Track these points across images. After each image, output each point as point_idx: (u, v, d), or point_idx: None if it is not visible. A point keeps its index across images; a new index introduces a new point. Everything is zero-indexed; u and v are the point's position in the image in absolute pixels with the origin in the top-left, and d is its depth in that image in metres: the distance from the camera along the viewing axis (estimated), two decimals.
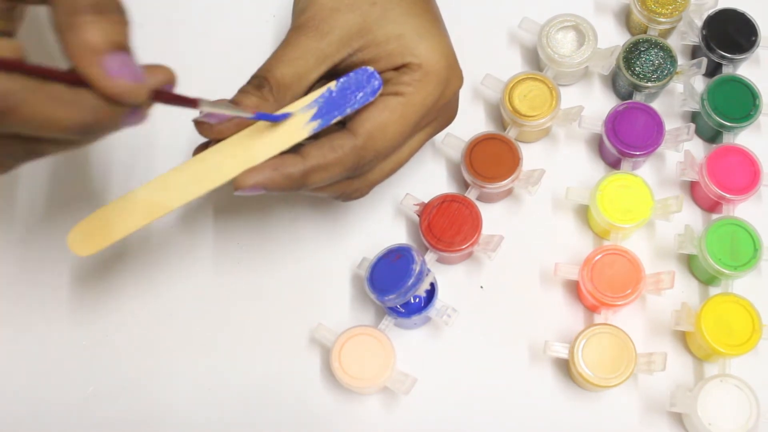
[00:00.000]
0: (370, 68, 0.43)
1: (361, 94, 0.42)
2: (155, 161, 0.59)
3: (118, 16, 0.33)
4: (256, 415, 0.54)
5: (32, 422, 0.54)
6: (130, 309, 0.56)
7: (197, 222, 0.58)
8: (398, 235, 0.58)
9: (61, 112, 0.31)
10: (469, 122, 0.59)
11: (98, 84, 0.32)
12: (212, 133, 0.41)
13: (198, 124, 0.41)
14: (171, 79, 0.35)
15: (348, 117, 0.43)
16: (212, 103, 0.38)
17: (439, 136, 0.55)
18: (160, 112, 0.35)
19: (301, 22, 0.44)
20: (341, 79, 0.42)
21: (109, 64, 0.32)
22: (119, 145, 0.58)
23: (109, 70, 0.32)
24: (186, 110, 0.44)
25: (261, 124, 0.42)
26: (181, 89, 0.33)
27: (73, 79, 0.32)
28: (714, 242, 0.53)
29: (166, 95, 0.35)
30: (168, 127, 0.56)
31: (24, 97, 0.30)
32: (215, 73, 0.56)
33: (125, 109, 0.33)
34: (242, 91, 0.42)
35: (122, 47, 0.32)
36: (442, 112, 0.47)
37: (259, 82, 0.42)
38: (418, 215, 0.55)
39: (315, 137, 0.42)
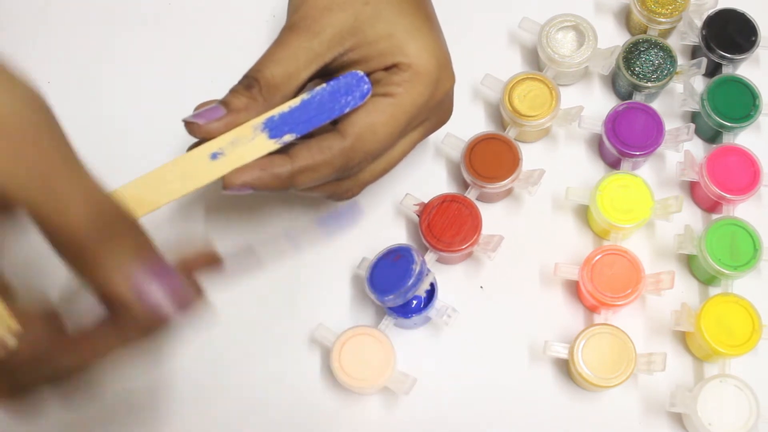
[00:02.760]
0: (360, 72, 0.43)
1: (349, 98, 0.42)
2: (144, 159, 0.59)
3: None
4: (256, 415, 0.54)
5: (32, 422, 0.54)
6: None
7: (195, 221, 0.58)
8: (398, 235, 0.58)
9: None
10: (469, 122, 0.59)
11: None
12: (201, 132, 0.41)
13: (188, 124, 0.41)
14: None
15: (338, 117, 0.43)
16: None
17: (439, 136, 0.55)
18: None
19: (293, 22, 0.44)
20: (331, 82, 0.42)
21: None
22: (109, 142, 0.58)
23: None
24: (175, 108, 0.43)
25: (250, 123, 0.42)
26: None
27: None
28: (714, 242, 0.53)
29: None
30: (159, 125, 0.56)
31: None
32: (214, 73, 0.56)
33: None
34: (232, 91, 0.42)
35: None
36: (435, 113, 0.47)
37: (249, 82, 0.42)
38: (418, 215, 0.55)
39: (306, 137, 0.42)
